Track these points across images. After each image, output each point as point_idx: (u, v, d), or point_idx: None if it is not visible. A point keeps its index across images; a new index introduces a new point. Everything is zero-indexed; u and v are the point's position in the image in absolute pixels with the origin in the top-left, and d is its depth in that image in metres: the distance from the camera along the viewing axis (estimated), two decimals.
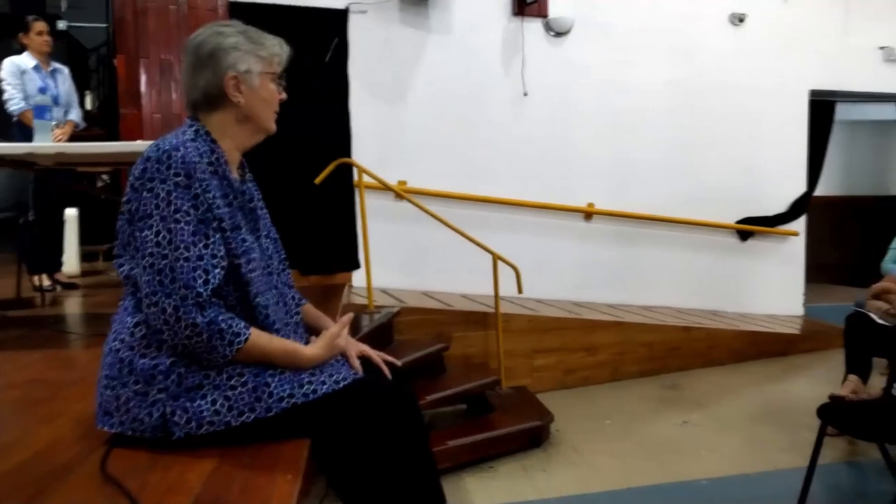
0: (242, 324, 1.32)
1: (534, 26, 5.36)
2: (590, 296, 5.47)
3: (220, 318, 1.28)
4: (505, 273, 4.14)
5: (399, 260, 4.92)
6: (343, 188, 4.63)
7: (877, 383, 3.43)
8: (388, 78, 5.03)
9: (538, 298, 5.18)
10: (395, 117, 5.06)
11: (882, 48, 5.98)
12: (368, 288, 4.02)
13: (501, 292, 4.24)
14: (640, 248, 5.64)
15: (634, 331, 4.78)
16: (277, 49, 1.47)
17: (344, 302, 3.76)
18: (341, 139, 4.78)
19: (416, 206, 4.22)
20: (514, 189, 5.31)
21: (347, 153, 4.70)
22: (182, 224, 1.28)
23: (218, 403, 1.28)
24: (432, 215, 4.19)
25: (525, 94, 5.33)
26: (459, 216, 4.75)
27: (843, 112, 6.64)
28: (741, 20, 5.68)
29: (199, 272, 1.27)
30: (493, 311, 4.24)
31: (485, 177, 5.24)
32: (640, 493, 2.92)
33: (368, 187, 4.29)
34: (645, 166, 5.64)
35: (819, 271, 6.67)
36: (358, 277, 4.66)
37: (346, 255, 4.78)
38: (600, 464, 3.28)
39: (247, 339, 1.31)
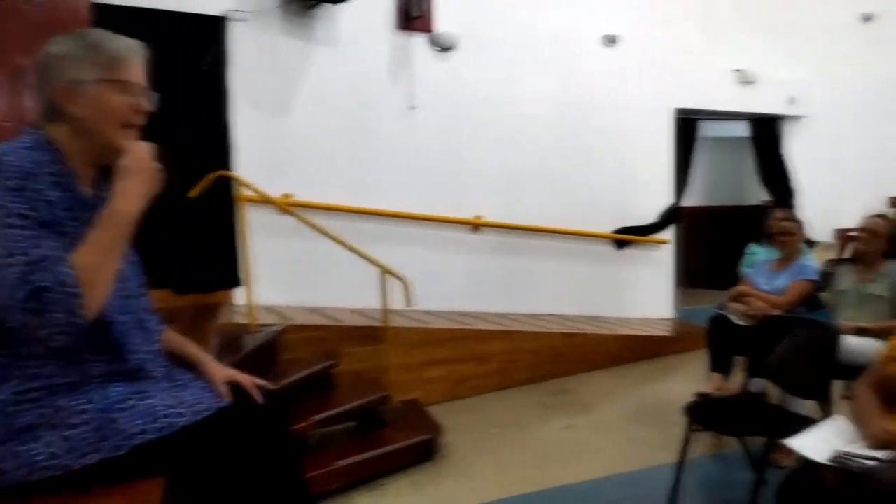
0: (60, 269, 1.14)
1: (420, 41, 5.41)
2: (479, 306, 5.56)
3: (45, 284, 1.12)
4: (395, 286, 4.12)
5: (285, 276, 4.76)
6: (223, 202, 4.42)
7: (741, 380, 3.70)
8: (272, 88, 4.88)
9: (429, 310, 5.19)
10: (281, 128, 4.91)
11: (736, 71, 6.54)
12: (250, 306, 3.85)
13: (392, 305, 4.21)
14: (526, 257, 5.81)
15: (521, 339, 4.90)
16: (122, 52, 1.33)
17: (222, 321, 3.58)
18: (220, 151, 4.57)
19: (300, 219, 4.11)
20: (403, 201, 5.31)
21: (227, 165, 4.50)
22: (17, 229, 1.15)
23: (55, 445, 1.16)
24: (317, 228, 4.09)
25: (412, 108, 5.37)
26: (348, 229, 4.68)
27: (705, 129, 7.21)
28: (613, 41, 6.03)
29: (41, 274, 1.13)
30: (383, 325, 4.20)
31: (374, 189, 5.21)
32: (523, 501, 2.98)
33: (250, 200, 4.13)
34: (530, 179, 5.83)
35: (688, 276, 7.16)
36: (242, 295, 4.47)
37: (225, 272, 4.54)
38: (488, 473, 3.32)
39: (74, 275, 1.15)
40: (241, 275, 4.32)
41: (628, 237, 6.18)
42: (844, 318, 3.30)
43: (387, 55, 5.30)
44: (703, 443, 3.51)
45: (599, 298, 6.11)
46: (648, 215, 6.28)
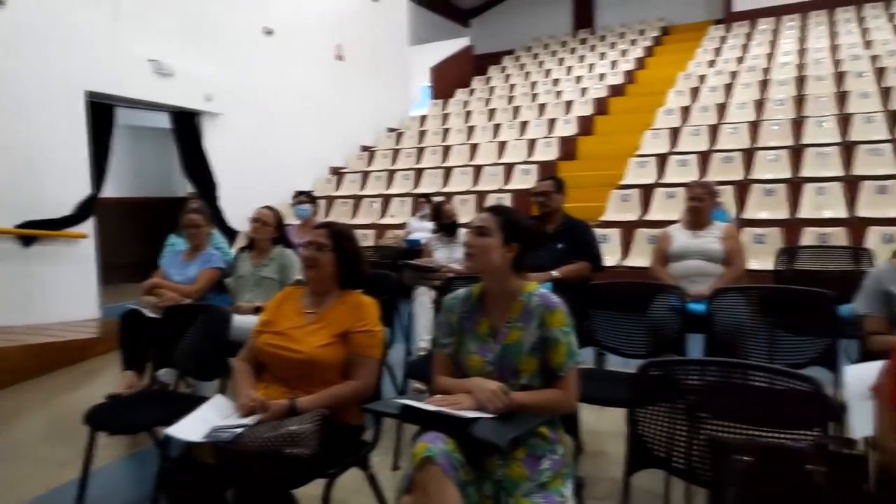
0: None
1: None
2: None
3: None
4: None
5: None
6: None
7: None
8: None
9: None
10: None
11: (151, 61, 6.47)
12: None
13: None
14: None
15: None
16: None
17: None
18: None
19: None
20: None
21: None
22: None
23: None
24: None
25: None
26: None
27: (126, 117, 6.92)
28: (1, 3, 5.13)
29: None
30: None
31: None
32: None
33: None
34: None
35: (115, 271, 6.80)
36: None
37: None
38: None
39: None
40: None
41: (37, 232, 5.42)
42: (244, 300, 3.65)
43: None
44: (120, 445, 3.37)
45: (3, 305, 5.19)
46: (62, 207, 5.65)
